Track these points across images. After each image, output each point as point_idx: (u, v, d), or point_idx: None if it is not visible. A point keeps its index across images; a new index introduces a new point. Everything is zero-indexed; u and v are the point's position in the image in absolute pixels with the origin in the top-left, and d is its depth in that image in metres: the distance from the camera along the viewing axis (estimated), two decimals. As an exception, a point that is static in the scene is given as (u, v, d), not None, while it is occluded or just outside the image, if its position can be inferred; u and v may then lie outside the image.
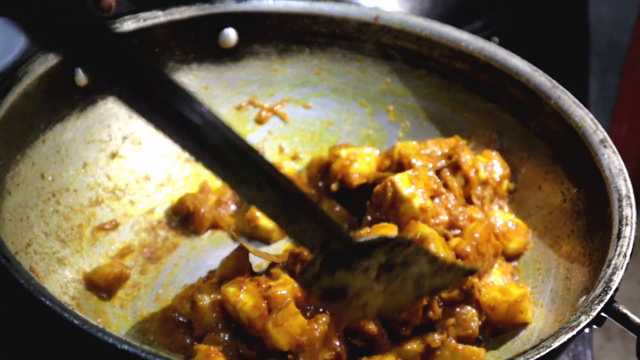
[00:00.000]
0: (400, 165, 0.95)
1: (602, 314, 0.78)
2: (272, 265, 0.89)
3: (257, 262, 0.92)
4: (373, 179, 0.95)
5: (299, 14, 1.04)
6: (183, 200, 0.99)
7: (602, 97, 1.85)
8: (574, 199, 0.93)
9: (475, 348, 0.84)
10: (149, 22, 0.98)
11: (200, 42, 1.02)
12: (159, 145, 1.01)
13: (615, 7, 1.84)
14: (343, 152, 0.98)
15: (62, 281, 0.87)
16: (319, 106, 1.07)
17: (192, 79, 1.03)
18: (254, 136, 1.05)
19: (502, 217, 0.95)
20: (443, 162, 0.95)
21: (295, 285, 0.82)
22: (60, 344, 0.79)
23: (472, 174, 0.95)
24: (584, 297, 0.81)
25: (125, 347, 0.70)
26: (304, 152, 1.05)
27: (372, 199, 0.92)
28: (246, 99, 1.06)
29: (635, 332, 0.79)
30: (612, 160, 0.90)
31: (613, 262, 0.82)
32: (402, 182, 0.90)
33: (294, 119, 1.06)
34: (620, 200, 0.87)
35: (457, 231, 0.91)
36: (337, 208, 0.99)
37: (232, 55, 1.04)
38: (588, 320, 0.77)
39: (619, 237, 0.84)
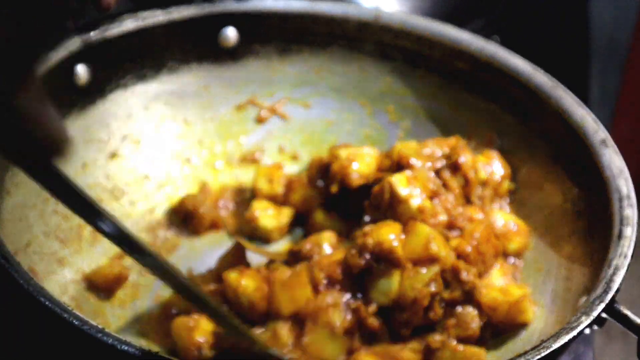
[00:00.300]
0: (399, 166, 0.94)
1: (603, 314, 0.78)
2: (271, 262, 0.89)
3: (256, 260, 0.92)
4: (373, 179, 0.95)
5: (299, 14, 1.04)
6: (182, 201, 0.98)
7: (603, 96, 1.85)
8: (575, 199, 0.93)
9: (475, 348, 0.84)
10: (149, 22, 0.98)
11: (200, 41, 1.02)
12: (159, 145, 1.01)
13: (616, 6, 1.84)
14: (342, 153, 0.97)
15: (62, 281, 0.87)
16: (319, 106, 1.07)
17: (192, 79, 1.03)
18: (253, 136, 1.05)
19: (503, 217, 0.95)
20: (443, 162, 0.95)
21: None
22: (60, 345, 0.78)
23: (471, 174, 0.95)
24: (584, 298, 0.81)
25: (125, 347, 0.70)
26: (304, 151, 1.05)
27: (370, 199, 0.92)
28: (246, 98, 1.05)
29: (636, 332, 0.79)
30: (613, 160, 0.90)
31: (614, 262, 0.82)
32: (399, 182, 0.90)
33: (294, 118, 1.06)
34: (621, 201, 0.87)
35: (457, 232, 0.91)
36: (328, 221, 0.98)
37: (232, 54, 1.04)
38: (589, 320, 0.77)
39: (619, 237, 0.84)
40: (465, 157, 0.95)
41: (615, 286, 0.79)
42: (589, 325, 0.77)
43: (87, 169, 0.96)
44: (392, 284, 0.84)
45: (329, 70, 1.06)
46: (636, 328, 0.79)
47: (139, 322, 0.88)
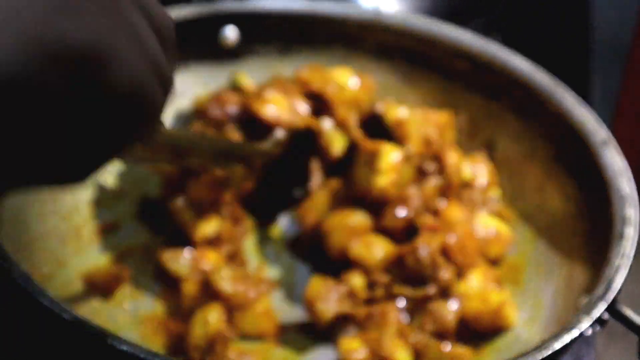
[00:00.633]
0: (384, 128, 0.94)
1: (605, 314, 0.78)
2: None
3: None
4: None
5: (299, 14, 1.04)
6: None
7: (604, 96, 1.84)
8: (576, 199, 0.93)
9: (462, 349, 0.85)
10: (148, 21, 0.98)
11: (199, 41, 1.02)
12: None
13: (617, 6, 1.83)
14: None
15: (61, 281, 0.87)
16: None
17: (192, 78, 1.03)
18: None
19: (484, 221, 0.94)
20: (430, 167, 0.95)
21: None
22: (60, 345, 0.78)
23: (455, 174, 0.95)
24: (586, 298, 0.81)
25: (125, 347, 0.70)
26: (304, 151, 1.05)
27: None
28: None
29: (637, 333, 0.79)
30: (615, 160, 0.90)
31: (615, 262, 0.81)
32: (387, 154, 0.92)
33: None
34: (622, 201, 0.86)
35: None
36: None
37: (232, 54, 1.04)
38: (590, 321, 0.76)
39: (621, 237, 0.83)
40: (451, 158, 0.95)
41: (616, 286, 0.79)
42: (591, 326, 0.77)
43: (87, 168, 0.95)
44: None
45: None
46: (637, 328, 0.78)
47: (139, 322, 0.88)
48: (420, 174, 0.94)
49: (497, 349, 0.87)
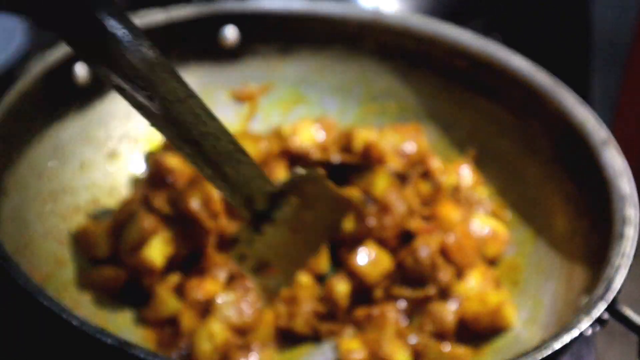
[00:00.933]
0: (365, 155, 0.94)
1: (605, 314, 0.78)
2: None
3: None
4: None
5: (299, 14, 1.04)
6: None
7: (604, 95, 1.85)
8: (576, 199, 0.93)
9: (462, 349, 0.84)
10: (148, 21, 0.98)
11: (199, 41, 1.02)
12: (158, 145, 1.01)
13: (617, 5, 1.83)
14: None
15: (61, 282, 0.87)
16: (319, 106, 1.06)
17: (191, 78, 1.02)
18: (253, 135, 1.05)
19: (481, 221, 0.95)
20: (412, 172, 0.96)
21: None
22: (59, 345, 0.78)
23: (442, 179, 0.95)
24: (586, 298, 0.81)
25: (124, 347, 0.70)
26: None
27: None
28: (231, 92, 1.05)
29: (637, 333, 0.79)
30: (615, 160, 0.90)
31: (615, 262, 0.81)
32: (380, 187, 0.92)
33: (293, 118, 1.06)
34: (622, 200, 0.86)
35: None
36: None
37: (232, 54, 1.04)
38: (590, 321, 0.76)
39: (621, 237, 0.83)
40: (434, 161, 0.96)
41: (616, 286, 0.79)
42: (591, 326, 0.77)
43: (86, 168, 0.95)
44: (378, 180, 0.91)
45: (329, 69, 1.06)
46: (637, 328, 0.78)
47: (139, 322, 0.88)
48: (402, 181, 0.94)
49: (497, 349, 0.87)
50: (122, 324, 0.87)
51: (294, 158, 0.96)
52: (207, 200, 0.87)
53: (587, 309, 0.77)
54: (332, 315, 0.88)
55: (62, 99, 0.93)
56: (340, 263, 0.91)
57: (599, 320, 0.78)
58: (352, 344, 0.85)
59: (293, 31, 1.05)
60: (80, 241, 0.90)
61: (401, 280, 0.89)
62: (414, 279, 0.89)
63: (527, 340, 0.86)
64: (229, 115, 1.04)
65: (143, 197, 0.91)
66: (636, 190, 0.88)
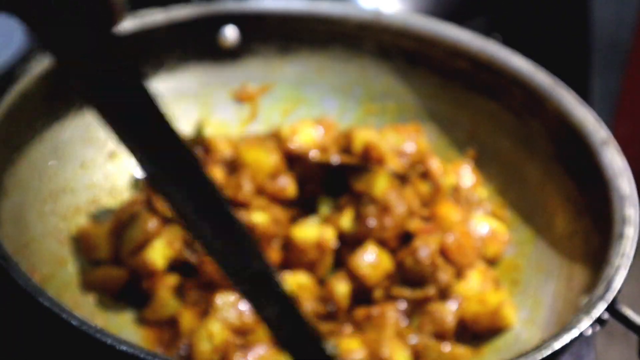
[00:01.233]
0: (365, 155, 0.94)
1: (605, 314, 0.78)
2: None
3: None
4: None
5: (299, 14, 1.04)
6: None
7: (604, 95, 1.85)
8: (576, 199, 0.93)
9: (462, 349, 0.84)
10: (148, 21, 0.98)
11: (199, 41, 1.02)
12: (158, 145, 1.01)
13: (617, 5, 1.84)
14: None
15: (61, 282, 0.87)
16: (319, 106, 1.06)
17: (191, 78, 1.03)
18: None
19: (481, 221, 0.95)
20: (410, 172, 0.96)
21: None
22: (59, 345, 0.78)
23: (441, 180, 0.95)
24: (586, 298, 0.81)
25: (124, 347, 0.70)
26: (304, 151, 1.05)
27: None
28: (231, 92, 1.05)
29: (637, 333, 0.79)
30: (615, 160, 0.90)
31: (615, 262, 0.81)
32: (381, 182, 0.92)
33: (293, 119, 1.06)
34: (622, 200, 0.86)
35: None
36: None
37: (232, 54, 1.04)
38: (590, 320, 0.77)
39: (621, 237, 0.83)
40: (434, 161, 0.95)
41: (616, 286, 0.79)
42: (590, 326, 0.77)
43: (86, 168, 0.95)
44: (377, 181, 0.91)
45: (329, 69, 1.06)
46: (637, 328, 0.79)
47: (139, 322, 0.88)
48: (401, 182, 0.94)
49: (497, 349, 0.87)
50: (122, 325, 0.87)
51: (293, 159, 0.96)
52: None
53: (587, 309, 0.78)
54: (332, 316, 0.88)
55: (62, 99, 0.93)
56: (341, 263, 0.91)
57: (599, 320, 0.78)
58: (351, 343, 0.85)
59: (293, 31, 1.05)
60: (81, 243, 0.90)
61: (401, 280, 0.89)
62: (413, 279, 0.89)
63: (527, 340, 0.86)
64: (229, 116, 1.04)
65: (145, 198, 0.91)
66: (636, 190, 0.88)
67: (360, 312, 0.87)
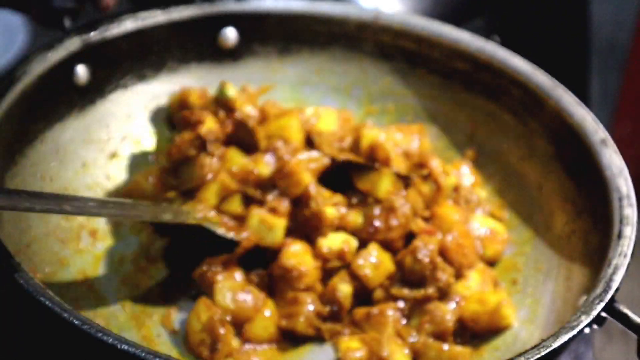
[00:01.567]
0: (370, 155, 0.95)
1: (603, 313, 0.78)
2: None
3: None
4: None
5: (299, 14, 1.05)
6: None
7: (603, 96, 1.85)
8: (575, 199, 0.93)
9: (460, 348, 0.85)
10: (149, 22, 0.98)
11: (199, 42, 1.02)
12: (159, 145, 1.01)
13: (616, 6, 1.84)
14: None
15: (62, 281, 0.87)
16: (319, 106, 1.07)
17: (192, 79, 1.03)
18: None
19: (480, 222, 0.95)
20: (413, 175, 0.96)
21: None
22: (60, 344, 0.79)
23: (442, 179, 0.95)
24: (584, 297, 0.81)
25: (125, 347, 0.70)
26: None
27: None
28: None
29: (635, 331, 0.79)
30: (613, 160, 0.90)
31: (614, 261, 0.82)
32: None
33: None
34: (620, 200, 0.87)
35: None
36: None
37: (232, 55, 1.04)
38: (589, 319, 0.77)
39: (619, 237, 0.84)
40: (435, 163, 0.95)
41: (615, 285, 0.80)
42: (589, 325, 0.77)
43: (87, 168, 0.96)
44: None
45: (329, 70, 1.06)
46: (636, 327, 0.79)
47: (140, 321, 0.88)
48: (406, 184, 0.94)
49: (496, 348, 0.87)
50: (123, 324, 0.87)
51: (309, 140, 0.96)
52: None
53: (586, 308, 0.78)
54: (334, 316, 0.88)
55: (64, 99, 0.94)
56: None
57: (598, 319, 0.78)
58: (351, 343, 0.85)
59: (293, 32, 1.05)
60: (133, 195, 0.93)
61: (401, 280, 0.90)
62: (413, 279, 0.89)
63: (526, 339, 0.86)
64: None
65: (194, 138, 0.93)
66: (634, 190, 0.88)
67: (360, 312, 0.88)
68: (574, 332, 0.76)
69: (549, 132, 0.97)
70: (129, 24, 0.97)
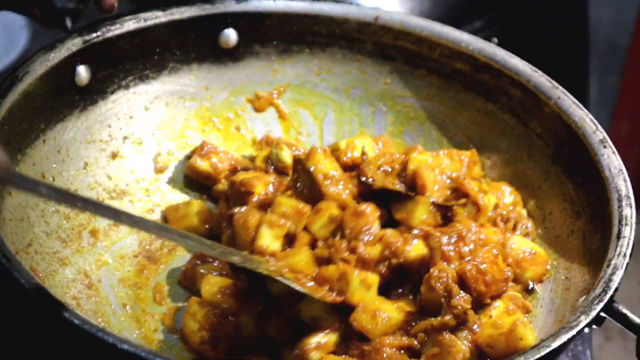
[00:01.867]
0: (411, 181, 0.93)
1: (602, 313, 0.78)
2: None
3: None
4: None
5: (299, 14, 1.05)
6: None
7: (602, 97, 1.85)
8: (574, 199, 0.93)
9: None
10: (150, 22, 0.98)
11: (200, 42, 1.02)
12: (159, 146, 1.01)
13: (615, 7, 1.84)
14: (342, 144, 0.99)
15: (63, 281, 0.87)
16: (319, 106, 1.07)
17: (193, 79, 1.03)
18: (254, 135, 1.05)
19: (519, 243, 0.91)
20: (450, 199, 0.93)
21: None
22: (61, 344, 0.79)
23: (481, 200, 0.92)
24: (583, 297, 0.82)
25: (125, 346, 0.70)
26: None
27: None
28: (247, 98, 1.06)
29: (634, 331, 0.79)
30: (612, 161, 0.90)
31: (613, 262, 0.82)
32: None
33: (293, 119, 1.06)
34: (619, 200, 0.87)
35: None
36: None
37: (233, 55, 1.04)
38: (588, 320, 0.77)
39: (618, 237, 0.84)
40: (471, 185, 0.93)
41: (614, 285, 0.80)
42: (588, 325, 0.77)
43: (89, 169, 0.96)
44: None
45: (329, 70, 1.07)
46: (635, 327, 0.79)
47: (140, 321, 0.88)
48: (443, 212, 0.92)
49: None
50: (123, 324, 0.87)
51: (346, 168, 0.96)
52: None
53: (585, 308, 0.78)
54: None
55: (65, 100, 0.94)
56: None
57: (597, 319, 0.78)
58: None
59: (293, 32, 1.05)
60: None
61: (421, 311, 0.86)
62: (432, 310, 0.85)
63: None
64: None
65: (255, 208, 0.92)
66: (633, 190, 0.88)
67: (355, 348, 0.84)
68: (574, 332, 0.76)
69: (548, 132, 0.98)
70: (130, 25, 0.97)
